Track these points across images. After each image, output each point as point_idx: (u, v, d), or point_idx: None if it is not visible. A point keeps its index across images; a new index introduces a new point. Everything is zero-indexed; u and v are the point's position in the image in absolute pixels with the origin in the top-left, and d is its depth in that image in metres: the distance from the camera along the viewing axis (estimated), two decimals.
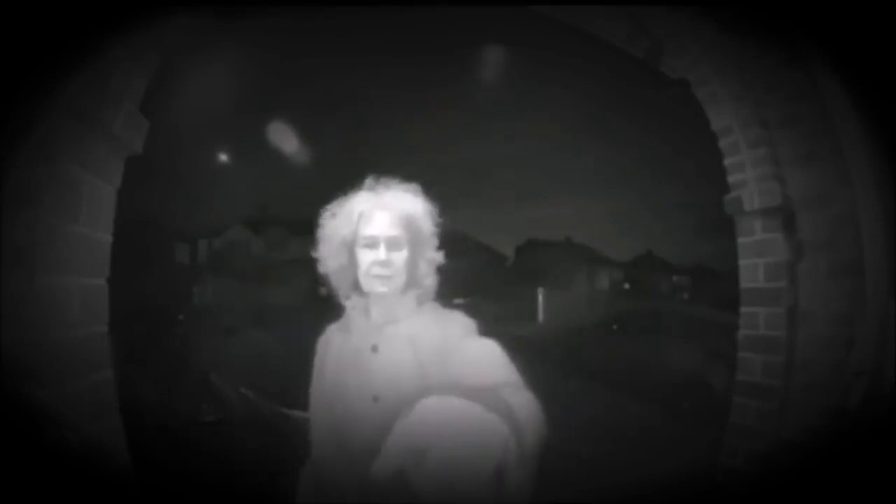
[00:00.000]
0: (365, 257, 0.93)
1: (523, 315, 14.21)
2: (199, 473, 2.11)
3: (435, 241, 0.99)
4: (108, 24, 1.30)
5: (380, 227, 0.93)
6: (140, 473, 1.68)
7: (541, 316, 15.57)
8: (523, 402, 0.65)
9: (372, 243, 0.93)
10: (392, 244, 0.93)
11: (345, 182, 1.00)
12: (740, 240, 2.43)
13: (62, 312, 1.51)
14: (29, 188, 1.43)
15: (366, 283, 0.94)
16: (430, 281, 0.98)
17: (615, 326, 6.60)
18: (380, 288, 0.93)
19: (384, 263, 0.92)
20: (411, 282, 0.96)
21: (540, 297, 15.98)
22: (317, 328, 1.06)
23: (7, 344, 1.27)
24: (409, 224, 0.94)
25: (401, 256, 0.93)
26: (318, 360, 1.02)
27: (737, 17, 2.13)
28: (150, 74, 1.81)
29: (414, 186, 0.99)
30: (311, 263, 1.00)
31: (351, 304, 0.99)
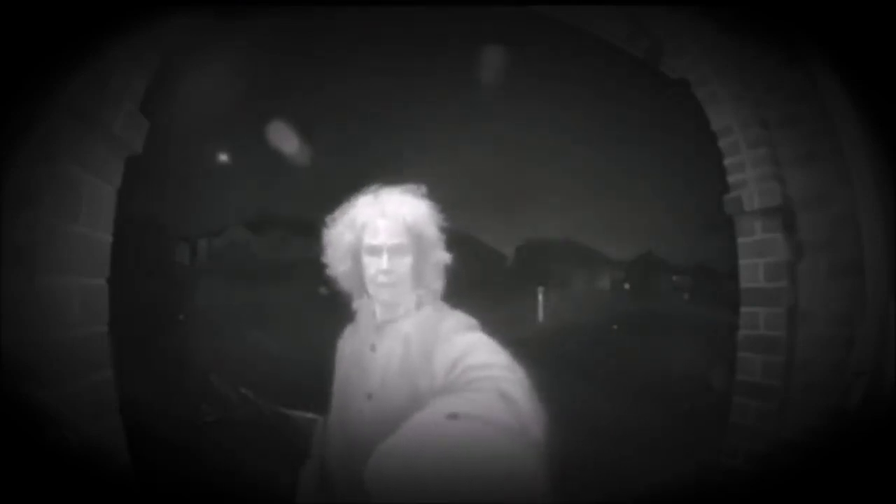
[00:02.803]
0: (369, 265, 0.95)
1: (523, 315, 14.20)
2: (198, 473, 2.12)
3: (441, 244, 0.98)
4: (108, 24, 1.29)
5: (382, 237, 0.94)
6: (140, 473, 1.68)
7: (540, 316, 15.57)
8: (518, 386, 0.67)
9: (375, 252, 0.94)
10: (395, 251, 0.93)
11: (344, 183, 1.01)
12: (740, 240, 2.43)
13: (62, 312, 1.51)
14: (29, 188, 1.43)
15: (371, 289, 0.96)
16: (437, 283, 0.99)
17: (615, 326, 6.61)
18: (384, 295, 0.95)
19: (387, 272, 0.93)
20: (418, 284, 0.97)
21: (540, 297, 15.98)
22: (318, 328, 1.09)
23: (7, 344, 1.27)
24: (411, 230, 0.95)
25: (405, 263, 0.94)
26: (337, 359, 1.05)
27: (737, 17, 2.13)
28: (150, 74, 1.81)
29: (417, 188, 0.99)
30: (311, 264, 1.02)
31: (359, 305, 1.02)
